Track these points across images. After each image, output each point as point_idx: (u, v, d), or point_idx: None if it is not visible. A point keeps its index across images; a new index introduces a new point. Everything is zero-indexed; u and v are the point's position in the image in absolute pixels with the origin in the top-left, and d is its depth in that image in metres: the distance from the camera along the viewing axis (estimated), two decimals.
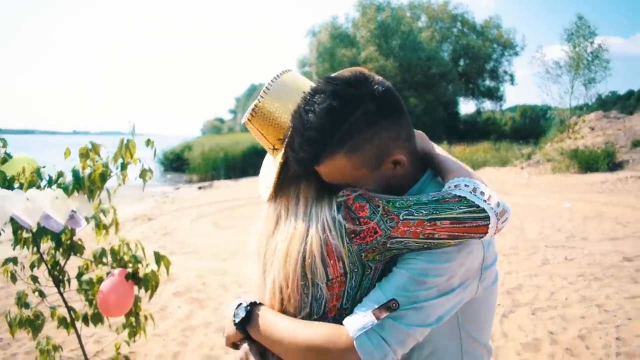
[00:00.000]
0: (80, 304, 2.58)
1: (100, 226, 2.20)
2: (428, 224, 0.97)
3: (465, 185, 1.03)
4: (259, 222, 1.22)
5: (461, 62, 39.19)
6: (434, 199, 1.00)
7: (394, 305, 0.97)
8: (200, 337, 4.04)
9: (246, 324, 1.10)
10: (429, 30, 37.15)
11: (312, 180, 1.11)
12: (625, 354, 3.60)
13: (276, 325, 1.05)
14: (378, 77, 1.08)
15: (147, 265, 2.16)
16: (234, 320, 1.11)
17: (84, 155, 1.98)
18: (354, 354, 0.95)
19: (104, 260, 2.19)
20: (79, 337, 2.30)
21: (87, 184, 1.94)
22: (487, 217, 0.98)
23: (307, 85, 1.14)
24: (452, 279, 1.00)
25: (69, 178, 2.01)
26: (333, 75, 1.09)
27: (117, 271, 2.12)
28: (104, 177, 1.99)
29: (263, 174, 1.23)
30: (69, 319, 2.28)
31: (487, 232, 0.98)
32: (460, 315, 1.11)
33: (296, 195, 1.13)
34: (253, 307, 1.11)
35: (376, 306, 0.97)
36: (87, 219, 2.11)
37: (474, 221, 0.98)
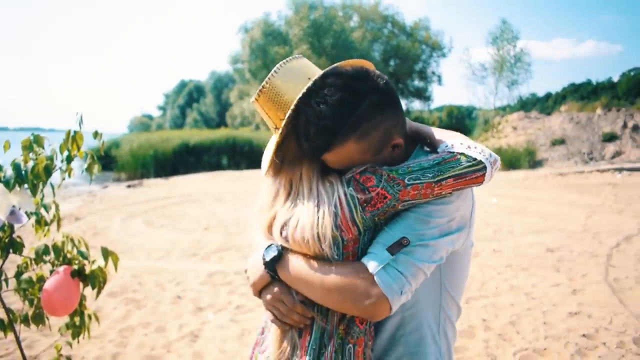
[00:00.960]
0: (17, 306, 2.46)
1: (41, 222, 2.10)
2: (436, 186, 1.10)
3: (460, 144, 1.17)
4: (259, 196, 1.34)
5: (391, 63, 40.05)
6: (435, 162, 1.13)
7: (405, 242, 1.11)
8: (139, 337, 3.93)
9: (276, 263, 1.20)
10: (361, 31, 37.74)
11: (315, 162, 1.23)
12: (552, 337, 3.84)
13: (305, 265, 1.16)
14: (378, 72, 1.22)
15: (93, 262, 2.08)
16: (264, 259, 1.22)
17: (27, 148, 1.88)
18: (376, 288, 1.08)
19: (47, 257, 2.10)
20: (17, 339, 2.18)
21: (30, 178, 1.86)
22: (484, 167, 1.12)
23: (315, 71, 1.23)
24: (451, 221, 1.15)
25: (9, 172, 1.91)
26: (337, 68, 1.19)
27: (62, 268, 2.03)
28: (48, 170, 1.90)
29: (267, 151, 1.31)
30: (6, 321, 2.16)
31: (484, 180, 1.14)
32: (442, 270, 1.25)
33: (300, 175, 1.24)
34: (284, 249, 1.21)
35: (389, 244, 1.11)
36: (28, 215, 2.02)
37: (474, 173, 1.12)
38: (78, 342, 2.34)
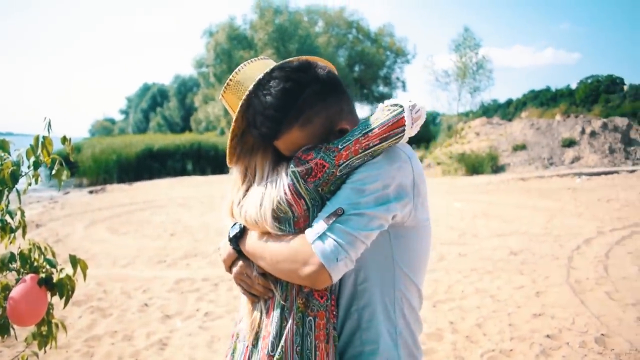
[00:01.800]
0: None
1: (7, 229, 2.04)
2: (362, 138, 1.18)
3: (392, 101, 1.27)
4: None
5: (356, 68, 40.39)
6: (364, 120, 1.24)
7: (339, 212, 1.17)
8: (106, 347, 3.85)
9: (239, 239, 1.33)
10: (326, 36, 37.95)
11: (268, 150, 1.36)
12: (518, 338, 3.93)
13: (258, 240, 1.28)
14: (321, 64, 1.35)
15: (61, 270, 2.03)
16: (229, 236, 1.34)
17: None
18: (314, 257, 1.15)
19: (12, 265, 2.04)
20: None
21: None
22: (403, 111, 1.19)
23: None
24: (386, 188, 1.18)
25: None
26: (283, 63, 1.31)
27: (28, 277, 1.98)
28: (15, 176, 1.85)
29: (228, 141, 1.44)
30: None
31: (405, 124, 1.18)
32: (394, 246, 1.28)
33: (254, 163, 1.37)
34: (245, 228, 1.32)
35: (326, 215, 1.18)
36: None
37: (394, 118, 1.18)
38: (45, 352, 2.28)
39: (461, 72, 28.46)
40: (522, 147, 20.14)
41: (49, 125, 1.89)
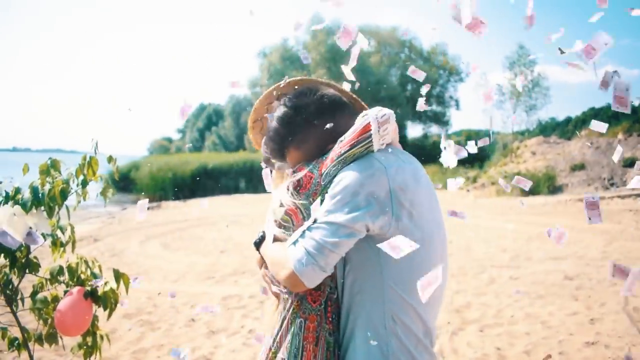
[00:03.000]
0: (32, 325, 2.50)
1: (57, 243, 2.16)
2: (337, 147, 1.28)
3: (365, 112, 1.33)
4: None
5: (409, 87, 40.21)
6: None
7: (313, 222, 1.24)
8: None
9: (259, 245, 1.47)
10: (378, 55, 38.02)
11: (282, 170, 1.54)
12: None
13: (265, 246, 1.41)
14: (320, 89, 1.49)
15: (106, 283, 2.12)
16: (254, 241, 1.49)
17: (44, 172, 1.95)
18: (289, 262, 1.23)
19: (61, 278, 2.15)
20: (31, 358, 2.23)
21: (46, 201, 1.91)
22: (369, 117, 1.26)
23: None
24: (355, 196, 1.21)
25: (26, 194, 1.97)
26: (291, 90, 1.51)
27: (75, 289, 2.08)
28: (64, 193, 1.96)
29: None
30: (21, 339, 2.21)
31: (371, 129, 1.25)
32: (383, 262, 1.27)
33: (275, 179, 1.58)
34: (264, 235, 1.45)
35: (305, 224, 1.27)
36: (44, 236, 2.07)
37: (361, 124, 1.26)
38: None
39: (516, 90, 27.85)
40: (581, 166, 19.45)
41: (96, 146, 1.99)
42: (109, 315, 2.13)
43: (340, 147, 1.28)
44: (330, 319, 1.34)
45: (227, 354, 4.09)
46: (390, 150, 1.33)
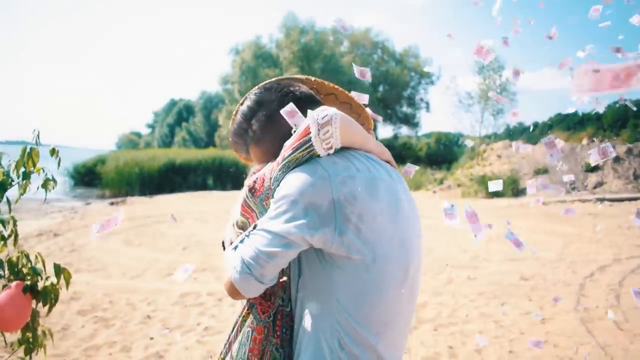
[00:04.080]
0: None
1: None
2: (283, 150, 1.20)
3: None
4: None
5: (380, 88, 40.49)
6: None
7: (254, 227, 1.17)
8: (103, 357, 3.89)
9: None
10: (351, 56, 38.18)
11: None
12: None
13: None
14: (297, 83, 1.41)
15: (46, 278, 2.08)
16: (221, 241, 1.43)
17: None
18: (229, 269, 1.17)
19: (1, 272, 2.10)
20: None
21: None
22: (310, 121, 1.16)
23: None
24: (295, 205, 1.11)
25: None
26: (262, 84, 1.43)
27: (14, 284, 2.03)
28: (3, 186, 1.92)
29: None
30: None
31: (310, 131, 1.15)
32: (334, 282, 1.17)
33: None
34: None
35: (247, 230, 1.20)
36: None
37: (302, 127, 1.18)
38: (30, 358, 2.32)
39: (484, 94, 28.34)
40: (544, 171, 19.88)
41: (38, 136, 1.95)
42: (49, 310, 2.09)
43: (284, 150, 1.19)
44: (278, 333, 1.27)
45: (180, 351, 4.05)
46: (343, 155, 1.21)
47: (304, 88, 1.40)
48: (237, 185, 24.36)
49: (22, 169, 1.99)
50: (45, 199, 2.16)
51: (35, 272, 2.07)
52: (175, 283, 6.14)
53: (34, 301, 2.12)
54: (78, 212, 13.73)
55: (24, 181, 2.02)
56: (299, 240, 1.11)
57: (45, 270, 2.20)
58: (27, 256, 2.14)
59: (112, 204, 16.52)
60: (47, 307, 2.11)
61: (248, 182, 1.29)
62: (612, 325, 4.74)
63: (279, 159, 1.20)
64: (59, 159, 2.04)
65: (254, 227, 1.17)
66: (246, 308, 1.32)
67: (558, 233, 10.20)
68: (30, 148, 1.95)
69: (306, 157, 1.17)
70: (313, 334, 1.19)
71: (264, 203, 1.23)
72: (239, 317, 1.33)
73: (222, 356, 1.34)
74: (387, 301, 1.17)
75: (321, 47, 35.88)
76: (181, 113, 65.80)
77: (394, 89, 40.24)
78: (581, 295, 5.71)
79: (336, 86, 1.50)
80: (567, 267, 7.05)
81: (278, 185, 1.18)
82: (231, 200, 16.89)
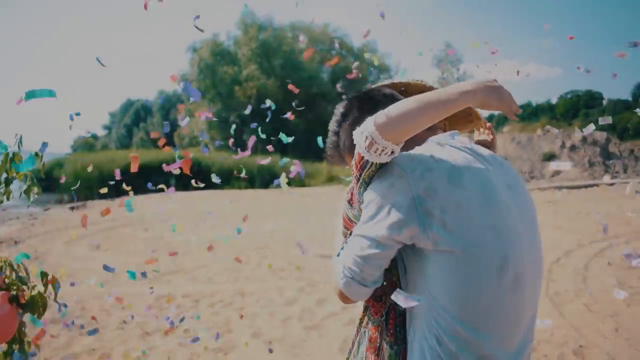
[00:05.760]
0: None
1: None
2: (354, 170, 1.22)
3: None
4: None
5: (340, 83, 40.51)
6: None
7: (350, 235, 1.24)
8: None
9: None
10: (310, 51, 38.13)
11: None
12: None
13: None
14: (375, 89, 1.41)
15: (33, 287, 2.01)
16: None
17: None
18: (335, 276, 1.25)
19: None
20: None
21: None
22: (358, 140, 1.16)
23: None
24: (381, 209, 1.14)
25: None
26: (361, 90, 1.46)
27: None
28: None
29: None
30: None
31: (362, 156, 1.14)
32: (426, 272, 1.16)
33: None
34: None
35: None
36: None
37: (356, 157, 1.17)
38: None
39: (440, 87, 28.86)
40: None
41: (20, 141, 1.88)
42: (37, 320, 2.02)
43: (354, 170, 1.21)
44: (391, 331, 1.31)
45: (162, 354, 3.99)
46: (425, 146, 1.23)
47: (387, 90, 1.40)
48: (206, 183, 24.02)
49: (4, 175, 1.91)
50: (29, 205, 2.08)
51: (22, 282, 1.99)
52: (149, 286, 6.03)
53: (20, 312, 2.04)
54: (38, 218, 13.31)
55: (6, 188, 1.94)
56: (388, 241, 1.14)
57: (29, 278, 2.13)
58: (11, 265, 2.06)
59: (72, 208, 16.09)
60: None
61: (347, 195, 1.37)
62: (582, 307, 4.90)
63: (353, 175, 1.22)
64: (43, 163, 1.97)
65: (350, 234, 1.23)
66: (362, 312, 1.39)
67: None
68: (13, 153, 1.87)
69: (377, 167, 1.17)
70: (418, 332, 1.20)
71: (360, 212, 1.28)
72: (358, 321, 1.41)
73: (347, 356, 1.43)
74: (481, 292, 1.11)
75: (280, 43, 35.74)
76: (138, 113, 64.46)
77: (354, 84, 40.41)
78: (550, 280, 5.88)
79: (424, 82, 1.50)
80: None
81: (364, 191, 1.21)
82: (195, 201, 16.69)
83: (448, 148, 1.21)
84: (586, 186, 16.86)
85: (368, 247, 1.15)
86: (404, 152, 1.19)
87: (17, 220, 12.86)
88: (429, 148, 1.21)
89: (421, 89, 1.47)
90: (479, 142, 1.76)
